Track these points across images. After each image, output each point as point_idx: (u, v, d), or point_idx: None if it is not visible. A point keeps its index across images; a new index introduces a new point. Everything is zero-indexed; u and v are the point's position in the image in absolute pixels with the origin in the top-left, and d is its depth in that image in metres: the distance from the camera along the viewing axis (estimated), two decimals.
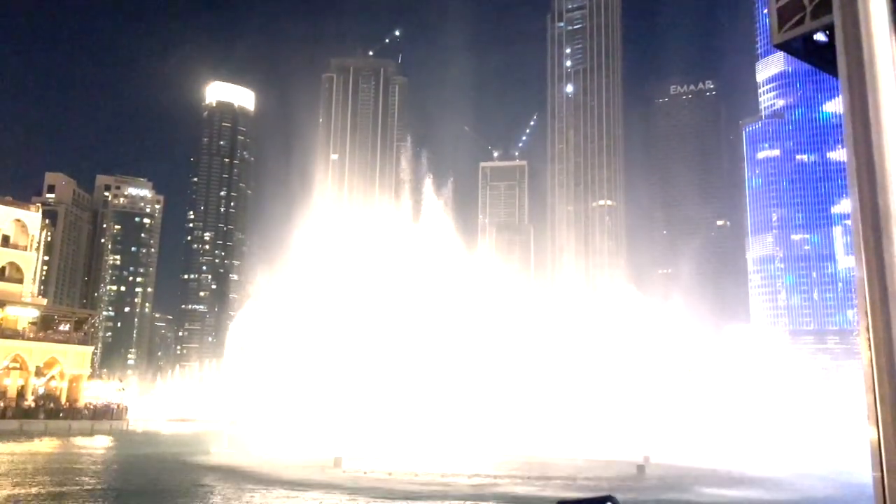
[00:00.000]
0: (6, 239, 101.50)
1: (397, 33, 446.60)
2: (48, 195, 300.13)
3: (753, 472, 49.95)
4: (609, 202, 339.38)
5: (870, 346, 2.54)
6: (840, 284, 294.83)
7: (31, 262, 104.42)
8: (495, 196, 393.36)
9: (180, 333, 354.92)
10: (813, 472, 51.26)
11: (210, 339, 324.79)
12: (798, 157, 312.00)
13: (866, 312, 2.57)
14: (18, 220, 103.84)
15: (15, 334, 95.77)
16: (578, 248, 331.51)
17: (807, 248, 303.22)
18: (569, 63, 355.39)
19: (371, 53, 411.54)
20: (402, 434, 69.87)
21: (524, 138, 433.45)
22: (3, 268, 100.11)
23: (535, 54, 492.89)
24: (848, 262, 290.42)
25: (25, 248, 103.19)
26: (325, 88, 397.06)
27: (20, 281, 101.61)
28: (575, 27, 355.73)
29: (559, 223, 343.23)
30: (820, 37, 3.06)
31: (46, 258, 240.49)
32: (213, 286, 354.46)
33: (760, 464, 55.26)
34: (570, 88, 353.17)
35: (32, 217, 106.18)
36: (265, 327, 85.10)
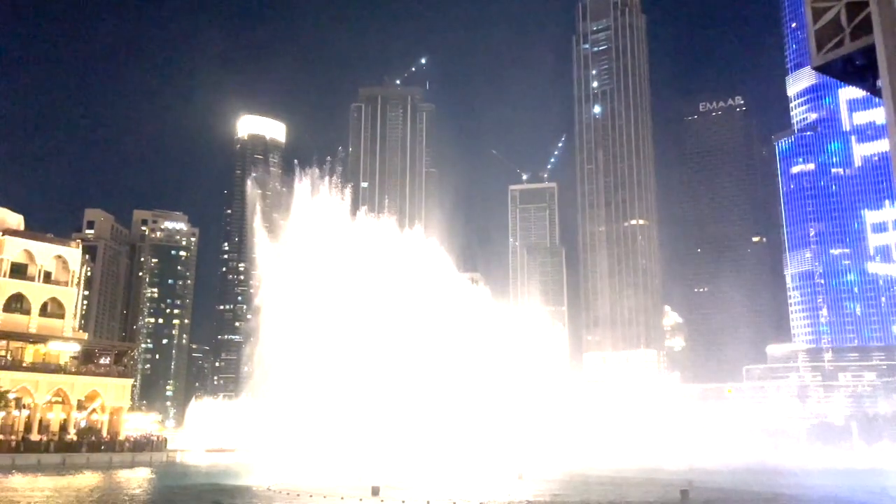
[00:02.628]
0: (48, 275, 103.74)
1: (423, 61, 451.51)
2: (87, 231, 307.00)
3: (795, 495, 48.50)
4: (641, 221, 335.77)
5: None
6: (883, 299, 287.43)
7: (72, 298, 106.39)
8: (525, 218, 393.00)
9: (217, 364, 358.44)
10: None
11: (246, 368, 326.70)
12: (833, 170, 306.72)
13: None
14: (59, 257, 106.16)
15: (57, 369, 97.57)
16: (612, 269, 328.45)
17: (847, 262, 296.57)
18: (595, 84, 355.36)
19: (398, 82, 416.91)
20: (439, 458, 69.47)
21: (553, 160, 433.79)
22: (45, 303, 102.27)
23: (562, 76, 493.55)
24: (890, 275, 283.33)
25: (66, 284, 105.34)
26: (354, 118, 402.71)
27: (62, 316, 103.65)
28: (600, 48, 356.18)
29: (591, 244, 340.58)
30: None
31: (86, 293, 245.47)
32: (249, 316, 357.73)
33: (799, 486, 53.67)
34: (597, 109, 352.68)
35: (73, 253, 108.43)
36: (295, 352, 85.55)
